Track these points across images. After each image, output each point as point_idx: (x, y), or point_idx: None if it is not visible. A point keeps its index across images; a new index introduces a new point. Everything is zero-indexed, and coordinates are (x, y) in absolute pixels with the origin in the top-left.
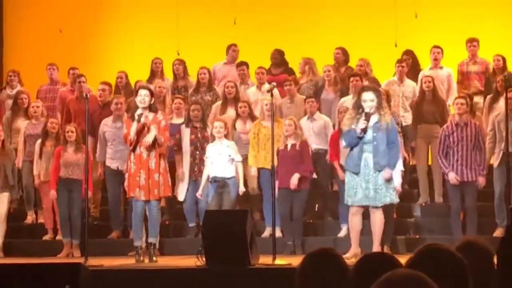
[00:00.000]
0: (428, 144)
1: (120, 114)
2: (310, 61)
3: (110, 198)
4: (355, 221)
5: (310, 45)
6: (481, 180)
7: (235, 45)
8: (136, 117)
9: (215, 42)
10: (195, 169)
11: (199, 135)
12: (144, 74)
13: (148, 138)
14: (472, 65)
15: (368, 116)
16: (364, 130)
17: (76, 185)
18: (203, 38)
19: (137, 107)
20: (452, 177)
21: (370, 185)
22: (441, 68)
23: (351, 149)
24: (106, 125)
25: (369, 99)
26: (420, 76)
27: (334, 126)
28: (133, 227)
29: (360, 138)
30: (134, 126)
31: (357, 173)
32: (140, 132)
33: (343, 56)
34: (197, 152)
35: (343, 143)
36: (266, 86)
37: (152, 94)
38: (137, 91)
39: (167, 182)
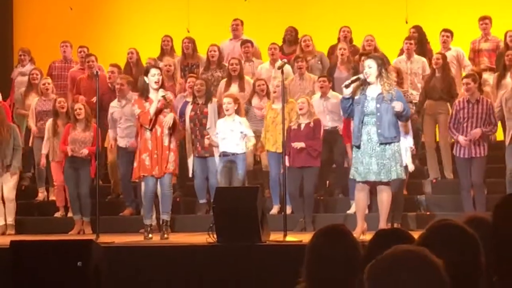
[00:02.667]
0: (435, 121)
1: (123, 94)
2: (311, 37)
3: (122, 176)
4: (360, 197)
5: (320, 22)
6: (476, 131)
7: (235, 19)
8: (160, 98)
9: (225, 19)
10: (198, 145)
11: (198, 112)
12: (154, 51)
13: (168, 119)
14: (483, 42)
15: (362, 82)
16: (347, 87)
17: (83, 163)
18: (214, 15)
19: (145, 86)
20: (462, 139)
21: (373, 159)
22: (449, 49)
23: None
24: (113, 106)
25: (367, 65)
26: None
27: None
28: (144, 205)
29: (347, 98)
30: (154, 106)
31: (358, 147)
32: (159, 111)
33: (350, 34)
34: (197, 128)
35: (341, 113)
36: (279, 62)
37: (161, 72)
38: (148, 71)
39: (176, 159)
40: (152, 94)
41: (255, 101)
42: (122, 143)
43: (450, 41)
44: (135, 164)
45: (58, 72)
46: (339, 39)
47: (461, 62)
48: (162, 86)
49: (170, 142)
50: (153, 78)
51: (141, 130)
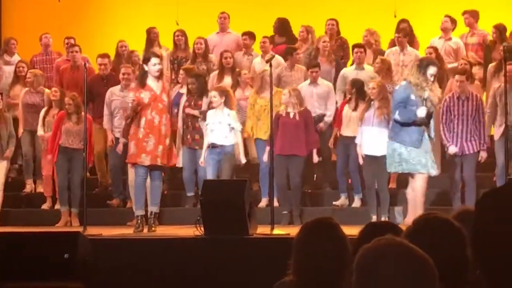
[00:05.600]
0: None
1: (128, 84)
2: (311, 29)
3: (111, 167)
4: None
5: (309, 14)
6: (483, 154)
7: (222, 13)
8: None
9: (215, 11)
10: (188, 136)
11: (192, 103)
12: (143, 43)
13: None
14: (470, 37)
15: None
16: (428, 117)
17: (77, 154)
18: (203, 7)
19: (144, 74)
20: (452, 150)
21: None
22: (449, 39)
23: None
24: (114, 94)
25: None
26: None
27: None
28: (136, 195)
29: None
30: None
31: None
32: (153, 100)
33: (336, 27)
34: (189, 120)
35: (397, 117)
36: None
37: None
38: (148, 59)
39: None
40: (152, 82)
41: (238, 92)
42: (117, 133)
43: (450, 27)
44: (131, 150)
45: (41, 66)
46: (326, 32)
47: (458, 56)
48: (161, 74)
49: (169, 131)
50: (153, 67)
51: (136, 117)
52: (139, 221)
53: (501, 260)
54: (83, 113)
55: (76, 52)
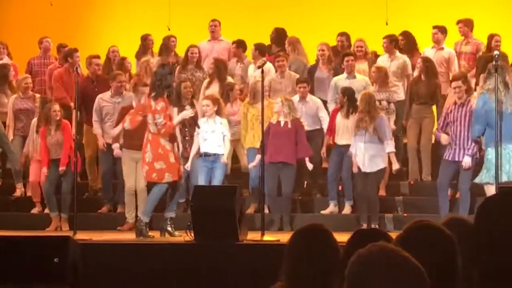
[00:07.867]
0: (419, 125)
1: (122, 91)
2: (293, 41)
3: (103, 173)
4: None
5: (301, 22)
6: (466, 159)
7: (213, 20)
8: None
9: (207, 17)
10: (187, 147)
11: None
12: (134, 49)
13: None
14: (464, 45)
15: None
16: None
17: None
18: (195, 13)
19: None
20: (444, 138)
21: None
22: (441, 49)
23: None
24: (104, 100)
25: None
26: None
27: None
28: (153, 205)
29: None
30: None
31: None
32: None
33: (347, 42)
34: (186, 130)
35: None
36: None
37: None
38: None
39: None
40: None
41: (227, 107)
42: (108, 139)
43: (441, 37)
44: (146, 167)
45: (38, 69)
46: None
47: (450, 66)
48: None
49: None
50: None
51: (150, 134)
52: (147, 228)
53: (500, 266)
54: (63, 121)
55: (78, 57)
